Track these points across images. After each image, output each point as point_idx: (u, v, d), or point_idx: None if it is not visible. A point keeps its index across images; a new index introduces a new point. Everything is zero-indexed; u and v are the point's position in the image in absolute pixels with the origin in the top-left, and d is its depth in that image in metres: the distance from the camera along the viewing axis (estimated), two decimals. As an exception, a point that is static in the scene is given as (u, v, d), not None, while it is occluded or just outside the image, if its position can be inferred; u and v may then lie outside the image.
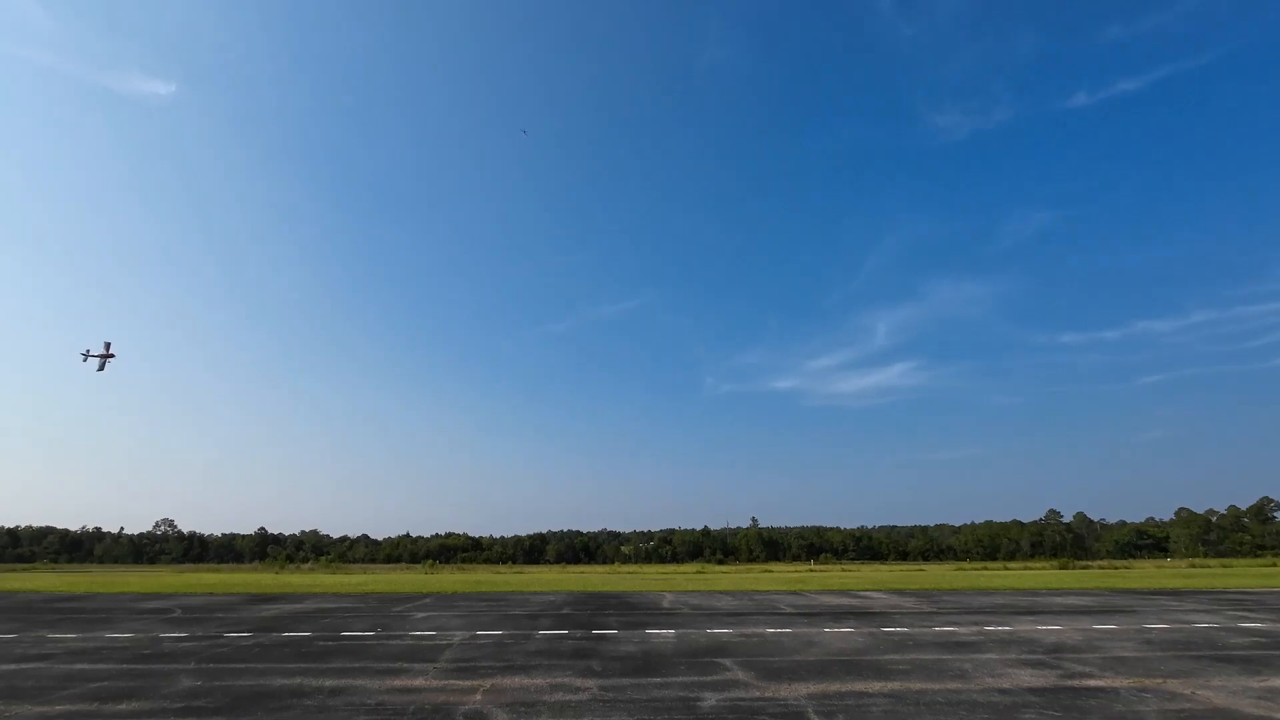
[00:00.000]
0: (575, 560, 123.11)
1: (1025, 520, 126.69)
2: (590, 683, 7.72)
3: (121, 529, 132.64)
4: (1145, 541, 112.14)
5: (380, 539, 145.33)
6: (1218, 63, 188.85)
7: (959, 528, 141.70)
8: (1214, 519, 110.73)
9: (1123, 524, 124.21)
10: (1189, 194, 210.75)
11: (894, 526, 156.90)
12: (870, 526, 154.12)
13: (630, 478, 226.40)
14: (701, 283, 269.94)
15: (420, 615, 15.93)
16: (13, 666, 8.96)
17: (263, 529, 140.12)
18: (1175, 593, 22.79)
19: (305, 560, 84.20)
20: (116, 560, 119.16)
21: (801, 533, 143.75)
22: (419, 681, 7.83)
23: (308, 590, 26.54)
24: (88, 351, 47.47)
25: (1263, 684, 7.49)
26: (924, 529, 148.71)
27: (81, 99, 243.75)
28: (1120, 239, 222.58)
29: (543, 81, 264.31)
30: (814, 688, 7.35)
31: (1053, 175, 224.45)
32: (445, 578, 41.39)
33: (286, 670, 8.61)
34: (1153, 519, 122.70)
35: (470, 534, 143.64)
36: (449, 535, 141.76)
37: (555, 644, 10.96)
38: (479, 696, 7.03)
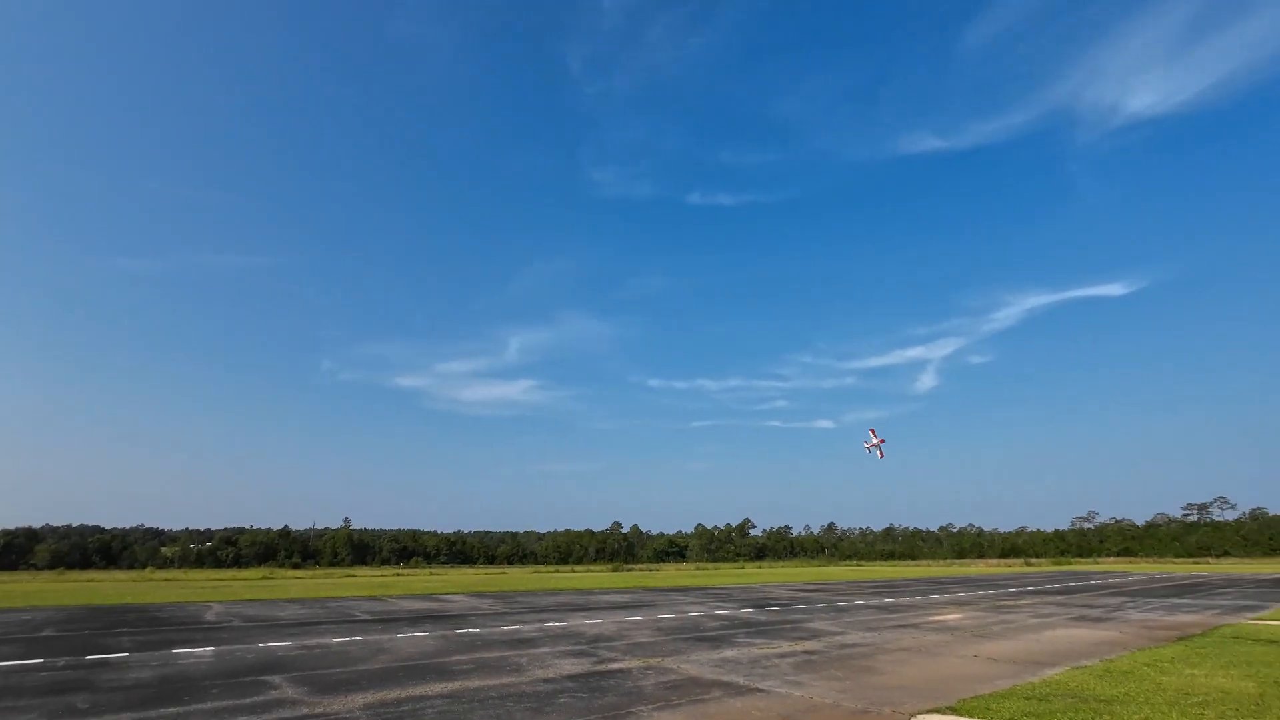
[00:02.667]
0: (85, 565, 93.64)
1: (596, 529, 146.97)
2: (67, 725, 5.94)
3: None
4: (673, 549, 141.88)
5: None
6: (786, 201, 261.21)
7: (543, 535, 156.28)
8: (716, 532, 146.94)
9: (661, 534, 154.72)
10: (747, 291, 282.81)
11: (487, 531, 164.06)
12: (466, 531, 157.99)
13: (190, 463, 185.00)
14: (334, 260, 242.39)
15: None
16: None
17: None
18: (683, 589, 29.41)
19: None
20: None
21: (396, 535, 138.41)
22: None
23: None
24: None
25: (719, 655, 10.21)
26: (514, 535, 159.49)
27: None
28: (701, 312, 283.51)
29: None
30: (372, 697, 7.11)
31: (670, 249, 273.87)
32: None
33: None
34: (680, 531, 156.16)
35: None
36: None
37: (16, 680, 8.11)
38: None
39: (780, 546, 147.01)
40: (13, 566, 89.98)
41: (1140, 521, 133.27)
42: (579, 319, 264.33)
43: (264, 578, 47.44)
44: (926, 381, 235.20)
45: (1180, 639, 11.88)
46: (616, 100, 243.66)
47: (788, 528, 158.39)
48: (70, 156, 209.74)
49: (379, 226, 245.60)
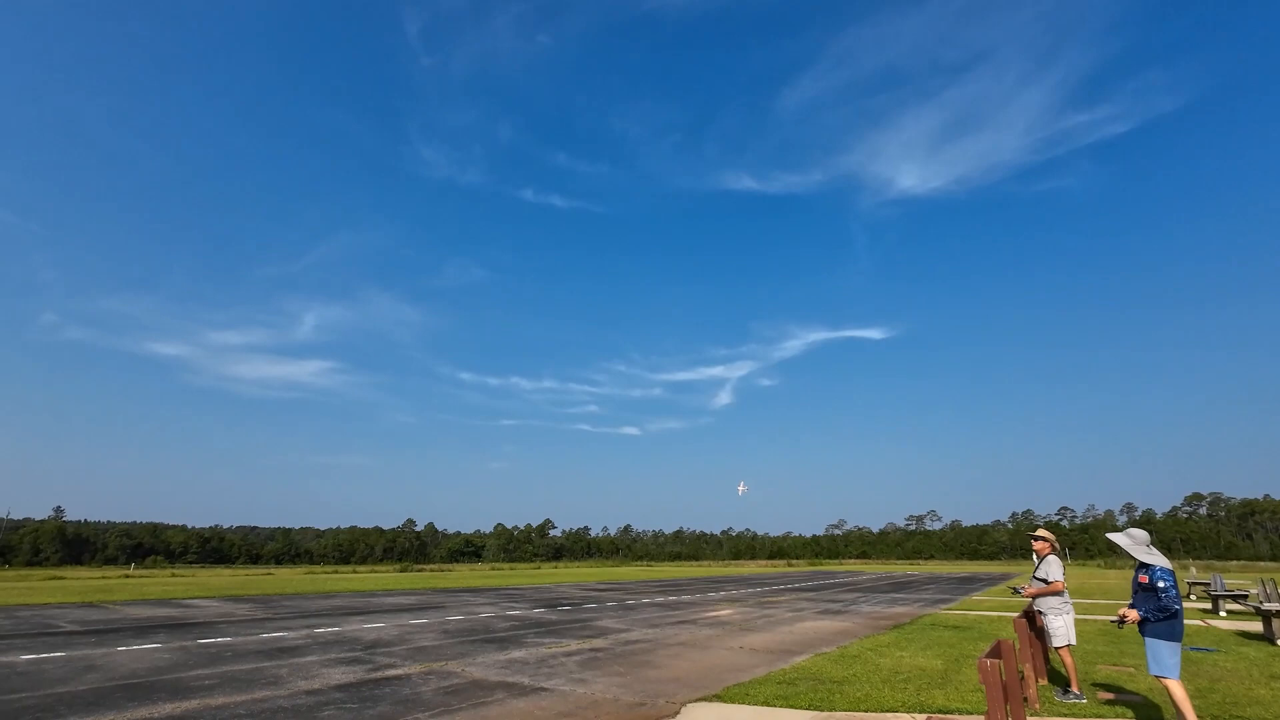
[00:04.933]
0: None
1: (386, 527, 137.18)
2: None
3: None
4: (469, 549, 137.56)
5: None
6: (614, 214, 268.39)
7: (324, 531, 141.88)
8: (516, 533, 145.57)
9: (458, 534, 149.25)
10: (569, 295, 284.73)
11: (254, 527, 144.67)
12: (226, 526, 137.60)
13: None
14: (79, 193, 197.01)
15: None
16: None
17: None
18: (476, 590, 28.62)
19: None
20: None
21: (128, 529, 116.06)
22: None
23: None
24: None
25: (507, 656, 10.09)
26: (287, 531, 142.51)
27: None
28: (520, 310, 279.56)
29: None
30: (74, 725, 5.85)
31: (493, 243, 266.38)
32: None
33: None
34: (479, 531, 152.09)
35: None
36: None
37: None
38: None
39: (578, 547, 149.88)
40: None
41: (875, 529, 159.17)
42: (387, 301, 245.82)
43: (-80, 581, 36.74)
44: (723, 398, 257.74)
45: (894, 627, 14.31)
46: (453, 79, 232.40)
47: (587, 529, 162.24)
48: None
49: (131, 155, 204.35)
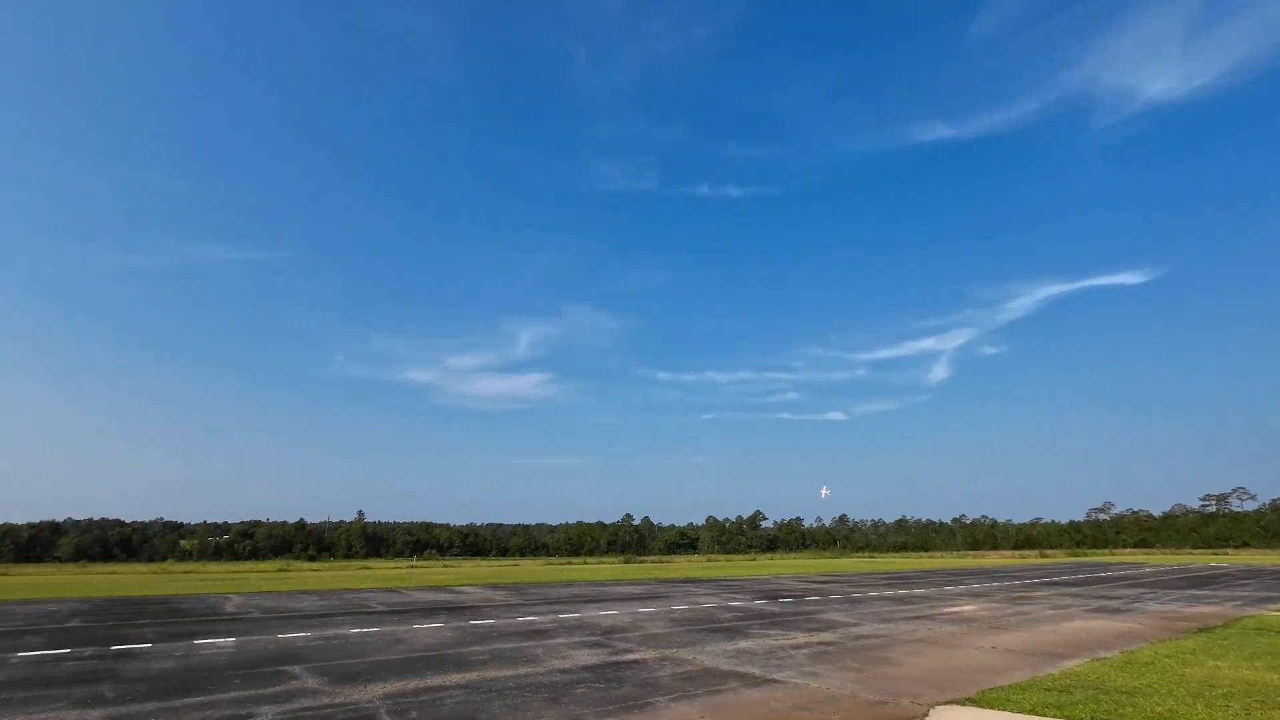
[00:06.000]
0: (107, 558, 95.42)
1: (607, 522, 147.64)
2: (94, 714, 6.04)
3: None
4: (684, 541, 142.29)
5: None
6: (792, 193, 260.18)
7: (555, 527, 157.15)
8: (728, 525, 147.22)
9: (672, 527, 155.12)
10: (756, 283, 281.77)
11: (500, 524, 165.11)
12: (479, 524, 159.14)
13: (206, 458, 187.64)
14: (346, 254, 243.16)
15: None
16: None
17: None
18: (696, 581, 29.48)
19: None
20: None
21: (409, 528, 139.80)
22: None
23: None
24: None
25: (734, 646, 10.22)
26: (525, 527, 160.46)
27: None
28: (710, 307, 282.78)
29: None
30: (391, 687, 7.18)
31: (674, 243, 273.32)
32: None
33: None
34: (691, 523, 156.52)
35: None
36: None
37: (45, 670, 8.27)
38: (-121, 757, 4.82)
39: (792, 538, 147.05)
40: (37, 559, 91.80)
41: (1157, 512, 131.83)
42: (585, 312, 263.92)
43: (281, 570, 48.15)
44: (939, 373, 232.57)
45: (1201, 630, 11.73)
46: (621, 93, 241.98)
47: (799, 520, 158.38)
48: (71, 153, 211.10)
49: (386, 221, 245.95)
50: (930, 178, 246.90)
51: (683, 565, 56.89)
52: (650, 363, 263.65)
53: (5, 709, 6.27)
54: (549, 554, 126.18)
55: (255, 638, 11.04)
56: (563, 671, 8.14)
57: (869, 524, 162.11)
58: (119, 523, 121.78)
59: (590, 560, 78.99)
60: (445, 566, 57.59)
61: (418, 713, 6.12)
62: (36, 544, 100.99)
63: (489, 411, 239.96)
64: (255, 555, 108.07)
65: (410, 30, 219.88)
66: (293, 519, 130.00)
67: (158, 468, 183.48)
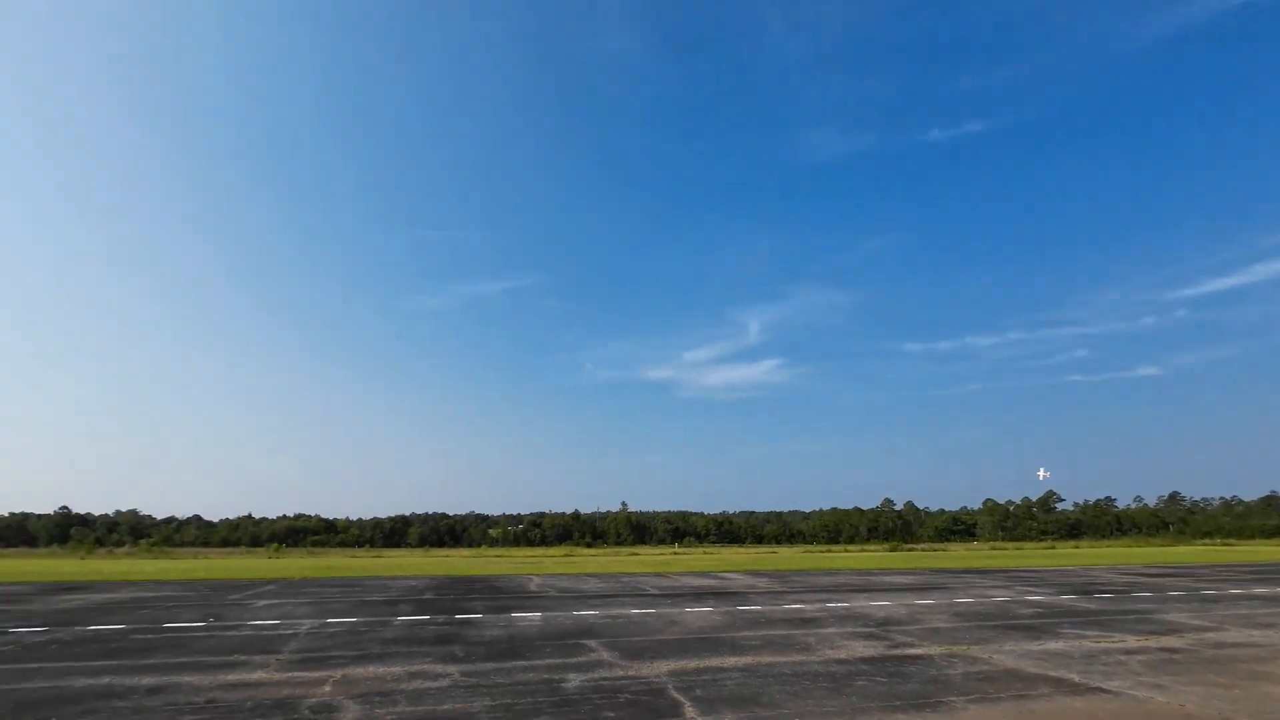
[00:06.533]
0: (440, 544, 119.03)
1: (865, 508, 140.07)
2: (452, 669, 7.52)
3: None
4: (959, 527, 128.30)
5: (216, 520, 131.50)
6: (1049, 117, 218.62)
7: (809, 514, 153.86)
8: (1011, 508, 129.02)
9: (942, 511, 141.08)
10: (1020, 227, 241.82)
11: (752, 512, 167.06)
12: (731, 511, 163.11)
13: (499, 460, 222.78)
14: (585, 270, 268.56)
15: (261, 604, 14.66)
16: None
17: (65, 508, 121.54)
18: (980, 571, 26.32)
19: (120, 544, 74.09)
20: None
21: (668, 517, 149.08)
22: (258, 675, 7.21)
23: (123, 578, 23.43)
24: None
25: (1040, 647, 8.87)
26: (779, 514, 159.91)
27: None
28: (960, 263, 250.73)
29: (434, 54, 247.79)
30: (674, 665, 7.68)
31: (909, 199, 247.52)
32: (292, 562, 38.31)
33: (92, 669, 7.56)
34: (965, 507, 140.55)
35: (324, 516, 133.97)
36: (299, 517, 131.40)
37: (415, 630, 10.55)
38: (328, 688, 6.60)
39: (1101, 523, 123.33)
40: (395, 545, 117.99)
41: None
42: (814, 290, 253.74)
43: (566, 555, 54.97)
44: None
45: None
46: (825, 56, 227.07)
47: (1110, 500, 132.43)
48: (376, 226, 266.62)
49: (609, 231, 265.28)
50: (1236, 50, 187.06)
51: (960, 553, 51.34)
52: (894, 334, 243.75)
53: (397, 659, 8.14)
54: (805, 541, 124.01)
55: (555, 614, 12.73)
56: (839, 662, 7.88)
57: (1216, 503, 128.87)
58: (444, 515, 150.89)
59: (850, 548, 75.61)
60: (705, 553, 60.09)
61: (702, 690, 6.44)
62: (395, 533, 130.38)
63: (728, 401, 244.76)
64: (544, 542, 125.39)
65: (622, 50, 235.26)
66: (569, 510, 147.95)
67: (469, 470, 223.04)
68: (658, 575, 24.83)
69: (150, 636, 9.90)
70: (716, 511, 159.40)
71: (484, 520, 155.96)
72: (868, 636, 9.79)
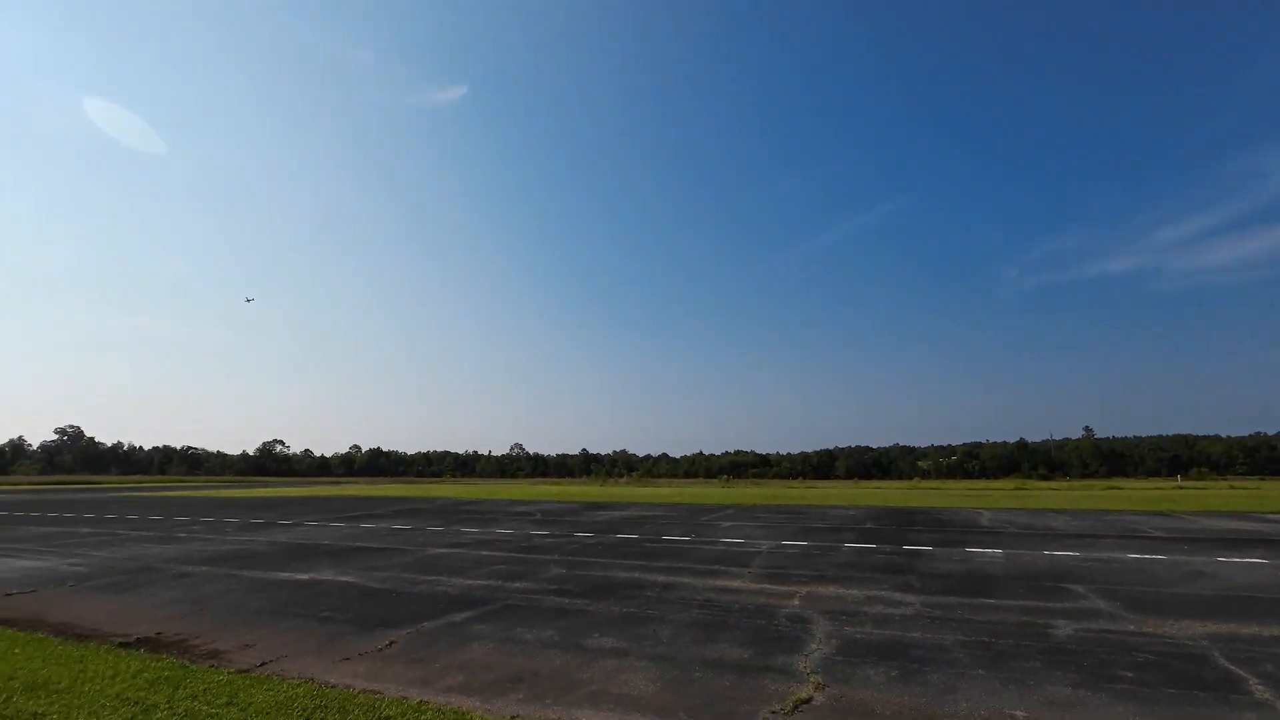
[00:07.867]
0: (867, 476, 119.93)
1: None
2: (911, 598, 7.40)
3: (490, 451, 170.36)
4: None
5: (678, 456, 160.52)
6: None
7: None
8: None
9: None
10: None
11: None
12: (1271, 433, 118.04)
13: (920, 389, 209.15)
14: (988, 158, 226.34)
15: (726, 524, 17.19)
16: (446, 550, 12.17)
17: (584, 449, 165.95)
18: None
19: (620, 475, 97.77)
20: (488, 475, 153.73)
21: (1158, 443, 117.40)
22: (737, 584, 8.44)
23: (628, 500, 30.74)
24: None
25: None
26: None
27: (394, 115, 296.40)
28: None
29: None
30: (1213, 627, 5.93)
31: None
32: (742, 491, 44.11)
33: (625, 565, 10.06)
34: None
35: (758, 451, 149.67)
36: (738, 452, 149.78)
37: (864, 558, 10.79)
38: (796, 601, 7.28)
39: None
40: (824, 477, 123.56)
41: None
42: None
43: (1017, 488, 48.63)
44: None
45: None
46: None
47: None
48: (769, 171, 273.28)
49: (995, 106, 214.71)
50: None
51: None
52: None
53: (853, 583, 8.46)
54: None
55: (1019, 552, 11.31)
56: None
57: None
58: (868, 448, 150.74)
59: None
60: (1232, 488, 45.27)
61: (1274, 666, 4.79)
62: (822, 465, 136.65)
63: (1237, 284, 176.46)
64: (983, 474, 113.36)
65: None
66: (1012, 439, 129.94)
67: (893, 401, 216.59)
68: (1158, 514, 19.78)
69: (655, 545, 12.65)
70: (1246, 433, 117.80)
71: (910, 452, 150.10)
72: None
